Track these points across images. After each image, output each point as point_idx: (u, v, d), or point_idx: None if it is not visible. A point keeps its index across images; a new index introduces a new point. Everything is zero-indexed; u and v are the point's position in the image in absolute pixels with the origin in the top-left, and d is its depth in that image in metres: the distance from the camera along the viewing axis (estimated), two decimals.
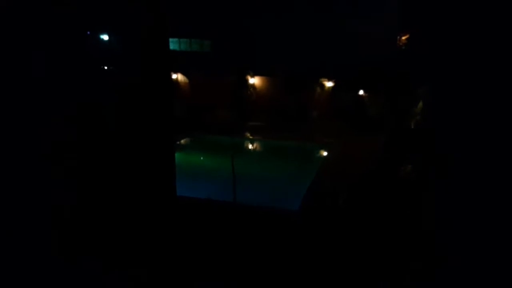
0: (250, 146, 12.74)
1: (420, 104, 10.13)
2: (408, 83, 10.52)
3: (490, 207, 4.36)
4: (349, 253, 5.61)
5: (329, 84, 13.41)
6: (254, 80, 13.98)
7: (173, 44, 13.79)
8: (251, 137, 12.83)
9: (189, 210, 6.54)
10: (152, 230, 5.51)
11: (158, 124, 5.71)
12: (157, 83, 5.73)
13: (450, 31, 5.11)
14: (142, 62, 5.52)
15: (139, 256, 5.34)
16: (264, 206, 7.00)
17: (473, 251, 4.41)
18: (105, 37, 6.01)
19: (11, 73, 4.10)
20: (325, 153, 11.15)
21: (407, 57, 10.45)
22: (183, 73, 14.35)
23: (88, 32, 5.54)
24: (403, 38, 11.33)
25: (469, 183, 4.60)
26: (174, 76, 14.09)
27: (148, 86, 5.59)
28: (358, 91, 13.02)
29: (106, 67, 6.04)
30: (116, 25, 5.48)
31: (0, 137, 4.12)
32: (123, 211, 5.27)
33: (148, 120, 5.58)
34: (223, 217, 6.63)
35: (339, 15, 12.47)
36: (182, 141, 11.80)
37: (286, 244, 5.91)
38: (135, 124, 5.46)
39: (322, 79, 13.40)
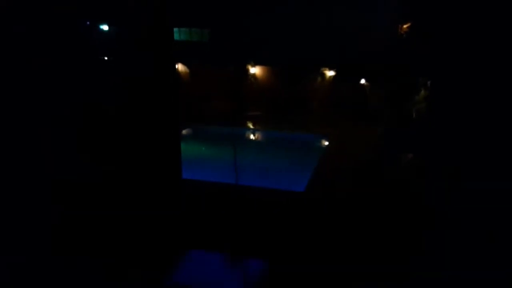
0: (251, 136, 12.78)
1: (423, 92, 10.11)
2: (408, 73, 10.49)
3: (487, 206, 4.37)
4: (352, 232, 5.75)
5: (330, 73, 13.36)
6: (255, 70, 13.95)
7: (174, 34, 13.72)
8: (252, 127, 12.85)
9: (193, 190, 6.97)
10: (160, 208, 5.84)
11: (165, 113, 5.96)
12: (163, 74, 5.87)
13: (449, 23, 5.08)
14: (146, 53, 5.61)
15: (147, 235, 5.48)
16: (268, 187, 7.32)
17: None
18: (105, 27, 6.01)
19: (11, 66, 4.10)
20: (326, 143, 11.18)
21: (407, 49, 10.40)
22: (184, 63, 14.31)
23: (88, 23, 5.54)
24: (404, 26, 11.26)
25: (466, 181, 4.61)
26: None
27: (153, 77, 5.72)
28: (358, 81, 12.98)
29: (106, 58, 6.06)
30: (120, 16, 5.50)
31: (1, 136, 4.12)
32: (134, 192, 5.62)
33: (155, 110, 5.78)
34: (227, 197, 6.97)
35: (338, 5, 12.39)
36: (184, 132, 11.83)
37: (292, 220, 6.21)
38: (142, 115, 5.65)
39: (323, 69, 13.34)
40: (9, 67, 3.99)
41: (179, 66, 14.28)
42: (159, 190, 5.89)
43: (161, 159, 6.00)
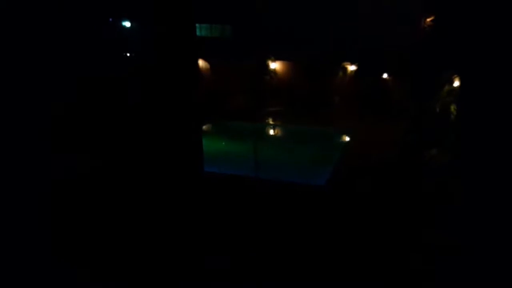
0: (271, 131, 12.78)
1: (447, 87, 9.89)
2: (433, 67, 10.26)
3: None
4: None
5: (352, 67, 13.19)
6: (275, 65, 13.90)
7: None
8: (272, 122, 12.85)
9: (213, 182, 7.11)
10: (182, 200, 5.99)
11: (186, 109, 6.06)
12: (185, 70, 5.95)
13: (477, 16, 4.90)
14: (168, 49, 5.66)
15: (170, 225, 5.59)
16: (290, 181, 7.41)
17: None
18: (127, 23, 6.07)
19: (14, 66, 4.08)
20: (347, 138, 11.09)
21: (432, 42, 10.16)
22: (204, 59, 14.37)
23: (111, 20, 5.61)
24: (428, 20, 11.01)
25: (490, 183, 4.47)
26: None
27: (175, 73, 5.79)
28: (381, 75, 12.78)
29: (128, 54, 6.13)
30: (143, 13, 5.56)
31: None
32: (157, 185, 5.82)
33: (176, 106, 5.87)
34: (247, 190, 7.02)
35: None
36: (205, 127, 11.91)
37: (312, 213, 6.23)
38: (163, 111, 5.74)
39: (345, 63, 13.19)
40: (11, 68, 4.00)
41: (200, 62, 14.35)
42: (182, 183, 6.00)
43: (183, 153, 6.11)
